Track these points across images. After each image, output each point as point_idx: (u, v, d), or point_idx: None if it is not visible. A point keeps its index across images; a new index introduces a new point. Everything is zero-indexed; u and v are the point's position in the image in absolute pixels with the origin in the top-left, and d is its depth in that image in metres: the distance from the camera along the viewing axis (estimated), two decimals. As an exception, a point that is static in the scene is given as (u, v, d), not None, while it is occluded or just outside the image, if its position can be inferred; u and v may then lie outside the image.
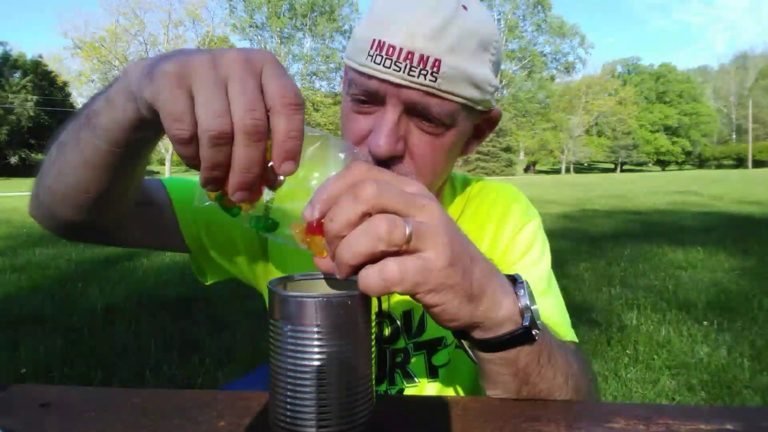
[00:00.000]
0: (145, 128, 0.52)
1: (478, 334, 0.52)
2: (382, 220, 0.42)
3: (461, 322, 0.49)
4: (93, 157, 0.58)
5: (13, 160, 38.26)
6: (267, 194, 0.49)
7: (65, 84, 43.18)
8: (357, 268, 0.43)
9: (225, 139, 0.41)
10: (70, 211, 0.66)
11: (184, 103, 0.41)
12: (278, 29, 46.39)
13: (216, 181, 0.44)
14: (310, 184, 0.49)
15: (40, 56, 43.09)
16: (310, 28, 47.25)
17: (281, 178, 0.46)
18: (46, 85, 40.81)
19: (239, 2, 45.24)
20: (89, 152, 0.57)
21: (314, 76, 48.68)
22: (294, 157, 0.43)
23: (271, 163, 0.43)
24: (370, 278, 0.42)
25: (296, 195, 0.50)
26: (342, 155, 0.50)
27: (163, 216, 0.79)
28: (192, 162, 0.43)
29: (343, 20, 46.50)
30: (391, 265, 0.42)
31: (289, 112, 0.42)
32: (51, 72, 42.83)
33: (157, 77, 0.43)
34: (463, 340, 0.56)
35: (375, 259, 0.43)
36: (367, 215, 0.43)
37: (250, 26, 45.96)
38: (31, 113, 38.36)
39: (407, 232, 0.42)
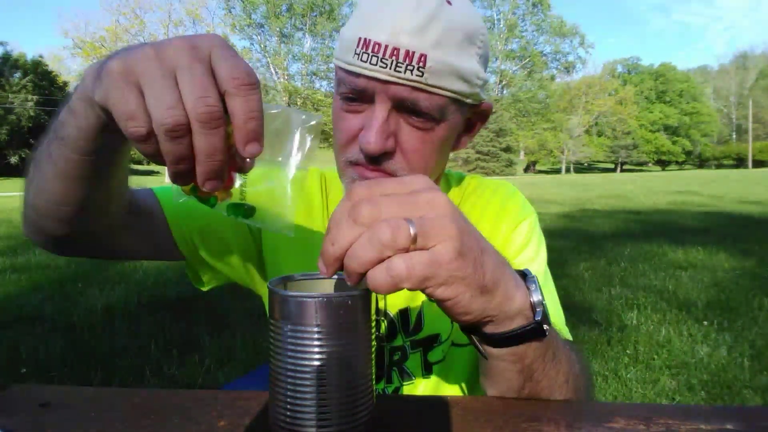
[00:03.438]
0: (111, 133, 0.51)
1: (489, 329, 0.51)
2: (384, 227, 0.41)
3: (474, 316, 0.48)
4: (66, 169, 0.57)
5: (13, 160, 38.23)
6: (239, 179, 0.48)
7: (65, 84, 43.15)
8: (364, 274, 0.43)
9: (182, 131, 0.40)
10: (56, 225, 0.66)
11: (135, 100, 0.40)
12: (278, 29, 46.43)
13: (184, 175, 0.43)
14: (279, 161, 0.49)
15: (41, 56, 43.05)
16: (309, 28, 47.29)
17: (248, 160, 0.45)
18: (47, 85, 40.77)
19: (237, 2, 45.32)
20: (61, 164, 0.57)
21: (314, 76, 48.75)
22: (257, 137, 0.42)
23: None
24: (378, 277, 0.42)
25: (269, 175, 0.49)
26: (306, 126, 0.49)
27: (155, 225, 0.79)
28: (156, 159, 0.42)
29: (343, 20, 46.50)
30: (397, 262, 0.41)
31: (244, 93, 0.41)
32: (51, 72, 42.80)
33: (104, 78, 0.42)
34: (472, 335, 0.55)
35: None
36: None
37: (249, 26, 46.02)
38: (31, 113, 38.33)
39: (412, 233, 0.41)
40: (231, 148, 0.43)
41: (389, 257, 0.41)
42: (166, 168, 0.43)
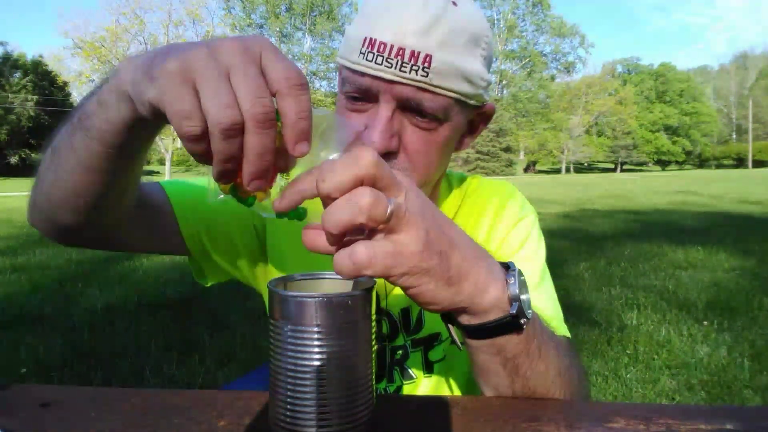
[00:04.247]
0: (141, 128, 0.52)
1: (464, 320, 0.52)
2: (366, 193, 0.42)
3: (443, 306, 0.49)
4: (88, 160, 0.57)
5: (13, 160, 38.25)
6: (279, 180, 0.49)
7: (65, 84, 43.15)
8: (340, 238, 0.44)
9: (236, 130, 0.40)
10: (70, 215, 0.66)
11: (191, 99, 0.41)
12: (277, 29, 46.47)
13: (229, 173, 0.43)
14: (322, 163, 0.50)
15: (41, 56, 43.09)
16: (309, 28, 47.32)
17: (290, 160, 0.46)
18: (47, 85, 40.80)
19: (237, 2, 45.34)
20: (84, 155, 0.57)
21: (314, 76, 48.75)
22: (307, 137, 0.42)
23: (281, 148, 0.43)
24: (341, 261, 0.43)
25: None
26: (346, 131, 0.50)
27: (163, 218, 0.79)
28: (204, 158, 0.43)
29: (343, 19, 46.53)
30: (359, 249, 0.43)
31: (296, 93, 0.41)
32: (51, 72, 42.80)
33: (159, 77, 0.42)
34: (451, 326, 0.56)
35: (355, 231, 0.43)
36: (359, 182, 0.42)
37: (249, 26, 46.02)
38: (31, 113, 38.37)
39: (389, 210, 0.42)
40: (276, 147, 0.43)
41: (361, 225, 0.42)
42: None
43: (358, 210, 0.41)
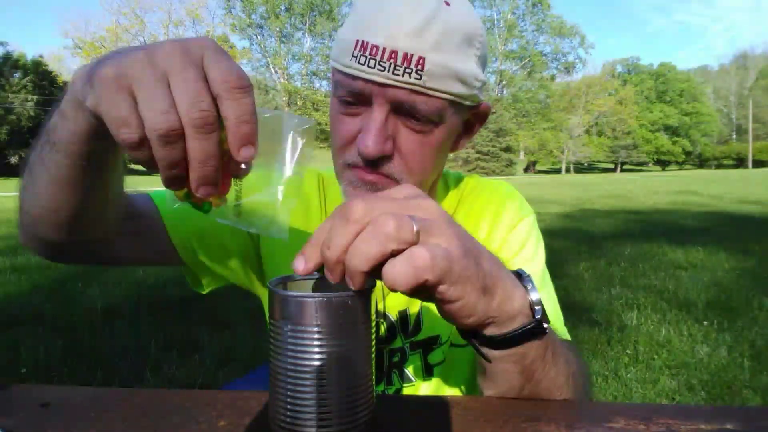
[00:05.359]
0: (101, 137, 0.51)
1: (490, 331, 0.50)
2: (387, 218, 0.40)
3: (478, 317, 0.47)
4: (58, 174, 0.56)
5: (13, 160, 38.24)
6: (234, 184, 0.48)
7: (65, 84, 42.90)
8: (369, 274, 0.42)
9: (175, 136, 0.40)
10: (53, 232, 0.65)
11: (127, 106, 0.40)
12: (277, 29, 46.48)
13: (177, 180, 0.43)
14: (275, 167, 0.48)
15: (41, 56, 43.08)
16: (309, 28, 47.34)
17: (243, 165, 0.45)
18: (47, 85, 40.78)
19: (237, 2, 45.37)
20: (54, 169, 0.56)
21: (314, 76, 48.81)
22: (251, 141, 0.42)
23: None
24: (398, 270, 0.40)
25: (264, 180, 0.49)
26: (299, 130, 0.49)
27: (154, 230, 0.78)
28: (149, 165, 0.42)
29: (342, 19, 46.52)
30: (420, 252, 0.40)
31: (236, 97, 0.41)
32: (51, 72, 42.82)
33: (96, 84, 0.42)
34: (474, 340, 0.54)
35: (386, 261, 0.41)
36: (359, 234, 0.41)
37: (249, 26, 46.08)
38: (31, 113, 38.35)
39: (415, 228, 0.41)
40: (225, 153, 0.42)
41: (392, 252, 0.40)
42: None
43: (385, 238, 0.40)
